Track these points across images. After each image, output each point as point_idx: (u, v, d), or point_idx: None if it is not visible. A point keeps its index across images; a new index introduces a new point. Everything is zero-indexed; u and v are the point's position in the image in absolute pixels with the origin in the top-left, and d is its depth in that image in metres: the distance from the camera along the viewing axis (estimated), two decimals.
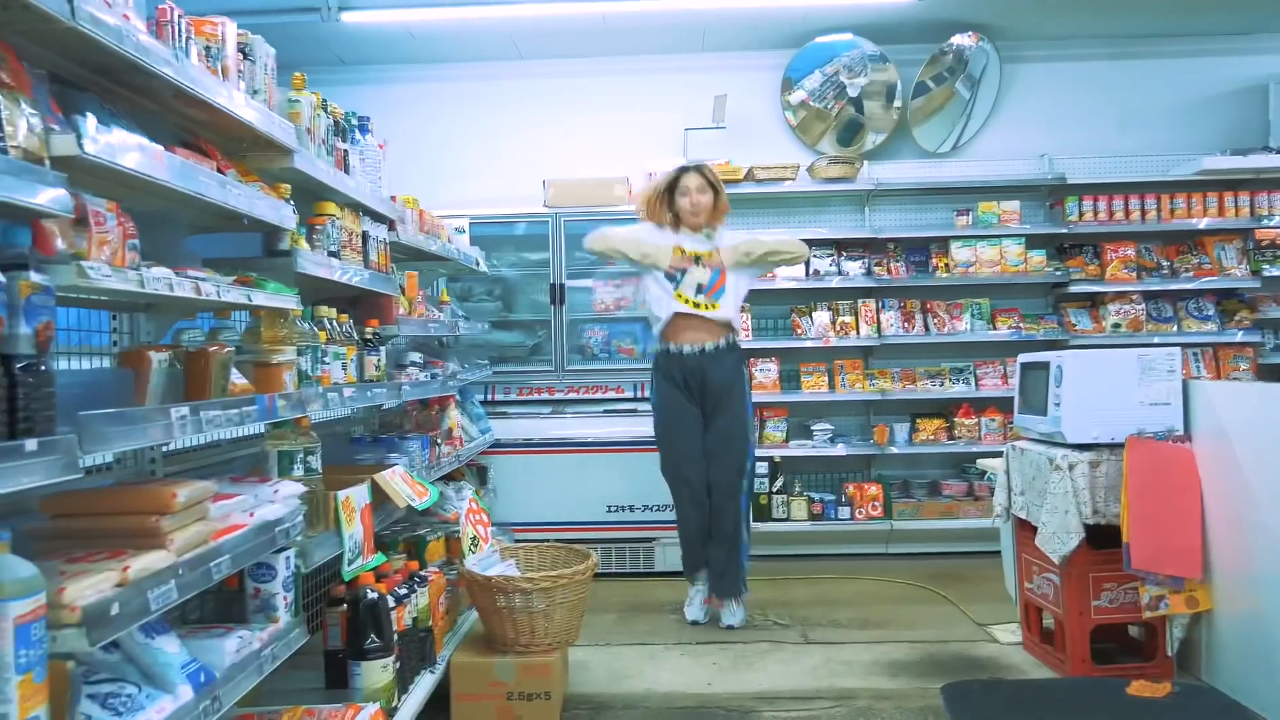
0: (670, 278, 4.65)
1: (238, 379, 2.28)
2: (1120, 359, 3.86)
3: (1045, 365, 4.04)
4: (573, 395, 6.05)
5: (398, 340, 4.42)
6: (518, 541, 4.79)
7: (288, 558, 2.53)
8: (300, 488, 2.58)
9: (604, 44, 6.44)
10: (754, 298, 6.22)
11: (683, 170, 4.74)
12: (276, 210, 2.50)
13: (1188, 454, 3.72)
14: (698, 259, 4.65)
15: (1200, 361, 6.19)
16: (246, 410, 2.24)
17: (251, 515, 2.31)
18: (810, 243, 6.20)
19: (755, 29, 6.33)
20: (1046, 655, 4.10)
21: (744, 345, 4.92)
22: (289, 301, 2.55)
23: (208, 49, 2.18)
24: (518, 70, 6.73)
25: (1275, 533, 3.30)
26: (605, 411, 5.95)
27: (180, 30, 2.03)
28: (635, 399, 5.97)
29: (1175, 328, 6.21)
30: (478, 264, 5.36)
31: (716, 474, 4.70)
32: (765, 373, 6.16)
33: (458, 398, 5.25)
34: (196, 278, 2.04)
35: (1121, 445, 3.73)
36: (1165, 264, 6.29)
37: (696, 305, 4.62)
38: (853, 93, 6.49)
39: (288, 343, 2.61)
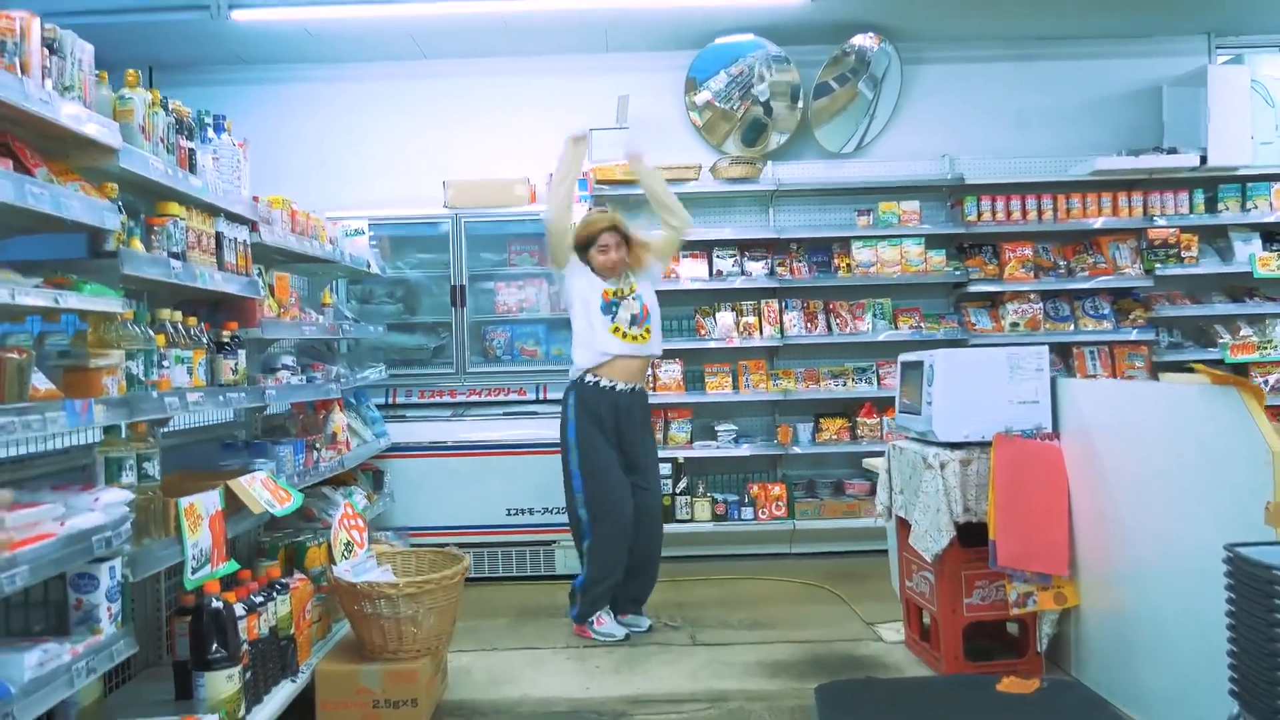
0: (606, 308, 4.60)
1: (42, 384, 2.21)
2: (990, 358, 3.90)
3: (921, 364, 4.07)
4: (474, 397, 5.99)
5: (280, 343, 4.35)
6: (414, 546, 4.74)
7: (112, 568, 2.46)
8: (127, 495, 2.51)
9: (507, 44, 6.39)
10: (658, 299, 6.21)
11: (605, 227, 4.67)
12: (94, 210, 2.42)
13: (1055, 451, 3.76)
14: (621, 294, 4.65)
15: (1096, 360, 6.28)
16: (51, 416, 2.17)
17: (62, 524, 2.24)
18: (713, 243, 6.29)
19: (657, 29, 6.32)
20: (925, 653, 4.12)
21: None
22: (111, 304, 2.48)
23: (2, 45, 2.11)
24: (421, 70, 6.66)
25: (1132, 530, 3.34)
26: (506, 414, 5.90)
27: None
28: (537, 400, 5.94)
29: (1072, 326, 6.29)
30: (369, 266, 5.30)
31: (649, 502, 4.70)
32: (669, 374, 6.15)
33: (351, 400, 5.20)
34: None
35: (991, 443, 3.77)
36: (1062, 263, 6.38)
37: (635, 339, 4.61)
38: (757, 93, 6.50)
39: (114, 346, 2.54)
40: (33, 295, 2.15)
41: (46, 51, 2.28)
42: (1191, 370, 3.58)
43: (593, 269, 4.68)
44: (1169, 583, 3.13)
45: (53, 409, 2.18)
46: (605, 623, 4.59)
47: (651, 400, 5.42)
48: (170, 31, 5.89)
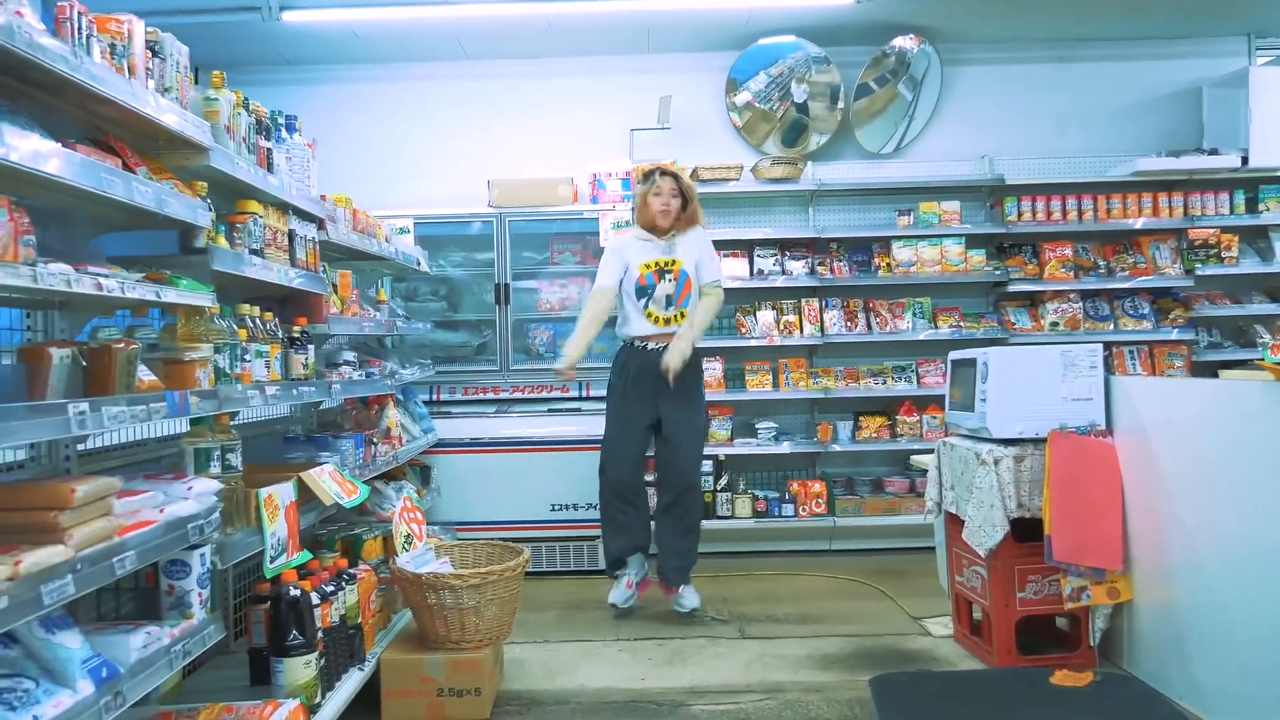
0: (641, 291, 4.81)
1: (146, 375, 2.28)
2: (1044, 355, 3.93)
3: (973, 362, 4.11)
4: (517, 395, 6.07)
5: (337, 339, 4.43)
6: (461, 540, 4.80)
7: (202, 555, 2.53)
8: (216, 484, 2.59)
9: (550, 45, 6.46)
10: None
11: (661, 172, 4.90)
12: (189, 207, 2.50)
13: (1109, 448, 3.80)
14: (663, 271, 4.79)
15: (1136, 359, 6.30)
16: (155, 406, 2.24)
17: (161, 512, 2.32)
18: (754, 242, 6.34)
19: (699, 30, 6.38)
20: (975, 647, 4.16)
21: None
22: (203, 298, 2.55)
23: (112, 46, 2.18)
24: (464, 71, 6.73)
25: (1189, 525, 3.37)
26: (550, 411, 5.97)
27: (80, 28, 2.03)
28: (580, 398, 6.00)
29: (1112, 326, 6.31)
30: (419, 264, 5.36)
31: (680, 463, 4.82)
32: (710, 372, 6.19)
33: (399, 397, 5.26)
34: (98, 274, 2.04)
35: (1045, 440, 3.80)
36: (1102, 263, 6.40)
37: (667, 321, 4.81)
38: (797, 95, 6.55)
39: (203, 340, 2.61)
40: (139, 289, 2.22)
41: (149, 54, 2.36)
42: (1240, 367, 3.61)
43: (643, 224, 4.89)
44: (1230, 577, 3.16)
45: (156, 400, 2.25)
46: (614, 590, 4.93)
47: None
48: (219, 33, 5.97)
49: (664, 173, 4.89)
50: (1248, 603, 3.06)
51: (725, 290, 6.21)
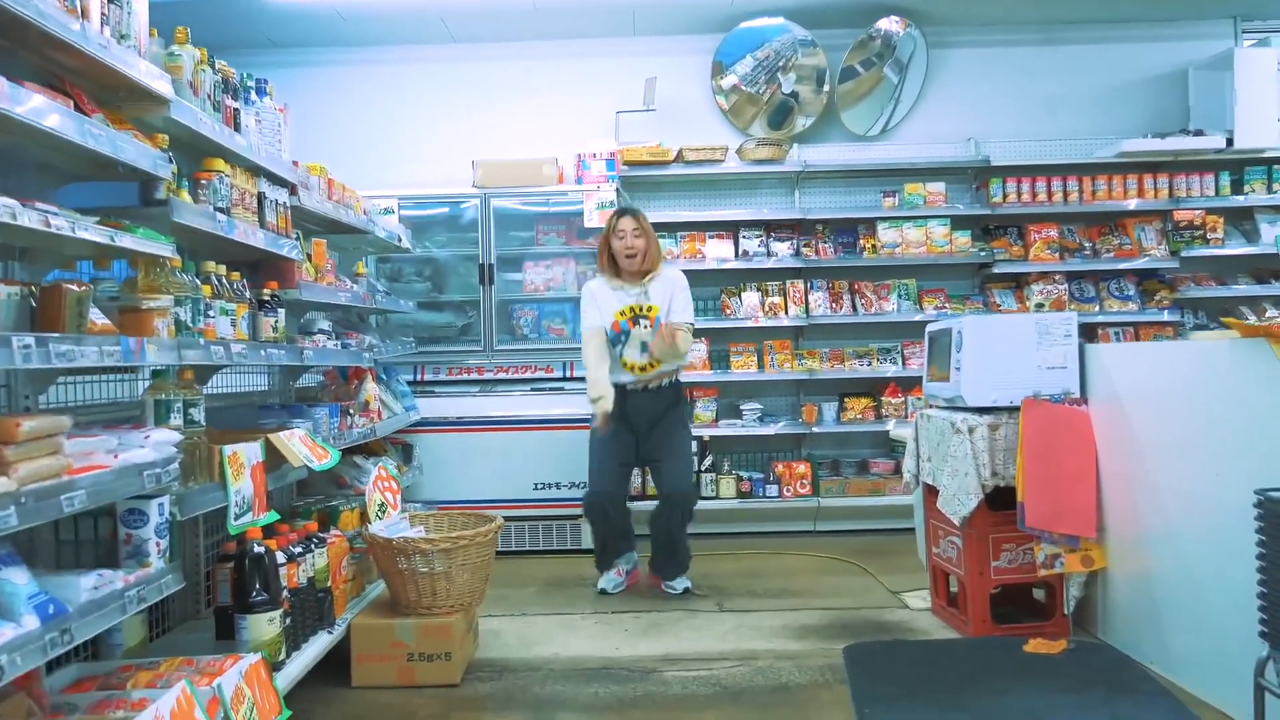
0: (615, 339, 4.74)
1: (98, 318, 2.28)
2: (1018, 324, 3.94)
3: (949, 332, 4.10)
4: (502, 375, 6.06)
5: (313, 314, 4.42)
6: None
7: (160, 504, 2.52)
8: (175, 435, 2.57)
9: (535, 27, 6.46)
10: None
11: (618, 213, 4.83)
12: (148, 157, 2.49)
13: (1083, 415, 3.79)
14: (638, 317, 4.73)
15: (1121, 341, 6.28)
16: (108, 349, 2.24)
17: (115, 457, 2.31)
18: (740, 224, 6.34)
19: (685, 12, 6.37)
20: (952, 618, 4.15)
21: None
22: (162, 249, 2.54)
23: None
24: (450, 53, 6.73)
25: (1162, 491, 3.36)
26: (533, 390, 5.96)
27: None
28: (564, 378, 6.00)
29: (1098, 307, 6.31)
30: (400, 240, 5.36)
31: (663, 478, 4.81)
32: (695, 353, 6.19)
33: (381, 375, 5.26)
34: (46, 210, 2.04)
35: (1019, 408, 3.79)
36: (1087, 245, 6.39)
37: (642, 369, 4.74)
38: (785, 85, 6.54)
39: (162, 291, 2.60)
40: (91, 231, 2.22)
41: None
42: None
43: (616, 271, 4.79)
44: (1200, 541, 3.15)
45: (110, 343, 2.25)
46: (604, 577, 4.92)
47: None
48: (203, 12, 5.90)
49: (623, 212, 4.81)
50: (1216, 566, 3.04)
51: (710, 271, 6.27)
